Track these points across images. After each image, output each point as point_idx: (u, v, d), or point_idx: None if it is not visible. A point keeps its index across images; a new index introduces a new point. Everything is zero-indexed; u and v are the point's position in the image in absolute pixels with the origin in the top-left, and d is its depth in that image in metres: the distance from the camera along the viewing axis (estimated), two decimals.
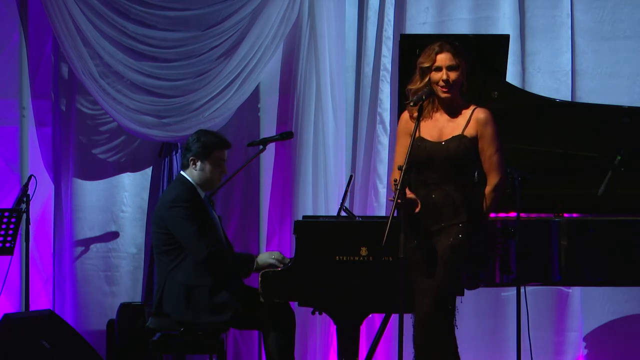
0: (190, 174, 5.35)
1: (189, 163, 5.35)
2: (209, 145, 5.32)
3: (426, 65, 4.67)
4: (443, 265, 4.63)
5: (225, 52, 6.83)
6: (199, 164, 5.33)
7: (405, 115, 4.78)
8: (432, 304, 4.60)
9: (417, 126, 4.65)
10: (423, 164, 4.70)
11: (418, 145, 4.67)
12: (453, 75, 4.65)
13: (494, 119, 4.73)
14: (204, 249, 5.19)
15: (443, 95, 4.67)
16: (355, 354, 5.06)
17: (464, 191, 4.68)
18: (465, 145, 4.66)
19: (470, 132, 4.69)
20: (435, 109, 4.74)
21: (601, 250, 5.30)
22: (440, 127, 4.72)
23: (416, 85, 4.70)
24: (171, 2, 6.88)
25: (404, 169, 4.50)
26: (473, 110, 4.73)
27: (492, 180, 4.73)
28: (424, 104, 4.68)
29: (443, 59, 4.65)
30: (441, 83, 4.65)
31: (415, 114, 4.69)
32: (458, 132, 4.69)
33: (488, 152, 4.71)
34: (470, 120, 4.70)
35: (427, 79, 4.68)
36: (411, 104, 4.66)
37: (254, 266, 5.24)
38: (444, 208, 4.66)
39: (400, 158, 4.73)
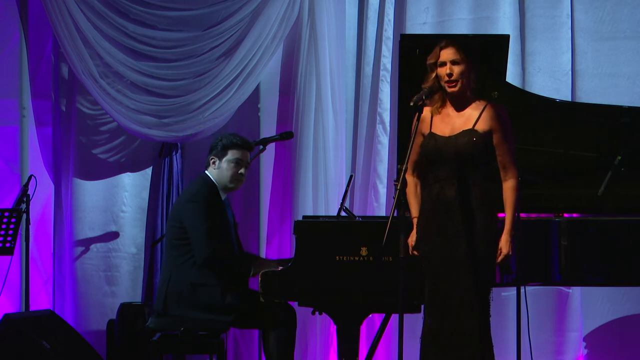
0: (211, 174, 5.41)
1: (209, 162, 5.41)
2: (227, 145, 5.39)
3: (432, 61, 4.67)
4: (469, 270, 4.59)
5: (225, 52, 6.83)
6: (217, 163, 5.39)
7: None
8: (470, 318, 4.60)
9: (417, 125, 4.64)
10: (433, 159, 4.66)
11: (428, 141, 4.67)
12: (457, 69, 4.62)
13: (507, 113, 4.71)
14: (206, 250, 5.21)
15: (449, 90, 4.64)
16: (355, 354, 5.06)
17: (479, 188, 4.63)
18: (475, 140, 4.62)
19: (482, 126, 4.65)
20: (445, 105, 4.72)
21: (601, 250, 5.30)
22: (452, 122, 4.69)
23: (428, 83, 4.69)
24: (171, 2, 6.88)
25: (404, 169, 4.50)
26: (486, 105, 4.69)
27: (511, 174, 4.68)
28: (434, 100, 4.67)
29: (447, 53, 4.64)
30: (445, 78, 4.63)
31: (433, 110, 4.69)
32: (469, 126, 4.66)
33: (504, 146, 4.67)
34: (482, 114, 4.66)
35: (434, 75, 4.66)
36: (411, 104, 4.65)
37: (250, 274, 5.30)
38: (458, 207, 4.62)
39: (413, 156, 4.72)
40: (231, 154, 5.38)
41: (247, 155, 5.45)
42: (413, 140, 4.60)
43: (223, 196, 5.43)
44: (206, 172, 5.44)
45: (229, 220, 5.46)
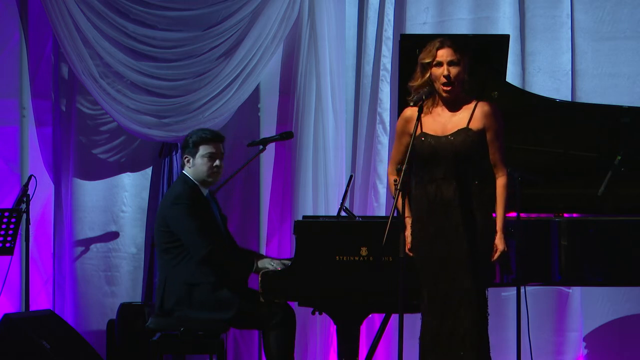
0: (188, 172, 5.40)
1: (184, 162, 5.41)
2: (197, 141, 5.39)
3: (427, 60, 4.60)
4: (468, 269, 4.58)
5: (225, 52, 6.83)
6: (191, 160, 5.39)
7: (405, 113, 4.71)
8: (470, 317, 4.59)
9: (417, 125, 4.62)
10: (428, 159, 4.63)
11: (421, 140, 4.62)
12: (454, 70, 4.58)
13: (499, 110, 4.69)
14: (204, 247, 5.21)
15: (445, 92, 4.59)
16: (355, 354, 5.06)
17: (477, 188, 4.62)
18: (471, 139, 4.59)
19: (475, 124, 4.62)
20: (436, 104, 4.68)
21: (601, 251, 5.30)
22: (444, 121, 4.65)
23: (417, 82, 4.63)
24: (171, 2, 6.88)
25: (403, 169, 4.48)
26: (476, 104, 4.66)
27: (502, 172, 4.66)
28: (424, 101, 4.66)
29: (444, 54, 4.58)
30: (442, 79, 4.57)
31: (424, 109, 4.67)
32: (463, 125, 4.62)
33: (497, 143, 4.64)
34: (474, 113, 4.63)
35: (427, 75, 4.61)
36: (411, 103, 4.63)
37: (253, 269, 5.28)
38: (457, 207, 4.60)
39: (398, 156, 4.70)
40: (203, 149, 5.37)
41: (219, 147, 5.42)
42: (413, 140, 4.58)
43: (205, 192, 5.42)
44: (183, 172, 5.43)
45: (216, 215, 5.45)
